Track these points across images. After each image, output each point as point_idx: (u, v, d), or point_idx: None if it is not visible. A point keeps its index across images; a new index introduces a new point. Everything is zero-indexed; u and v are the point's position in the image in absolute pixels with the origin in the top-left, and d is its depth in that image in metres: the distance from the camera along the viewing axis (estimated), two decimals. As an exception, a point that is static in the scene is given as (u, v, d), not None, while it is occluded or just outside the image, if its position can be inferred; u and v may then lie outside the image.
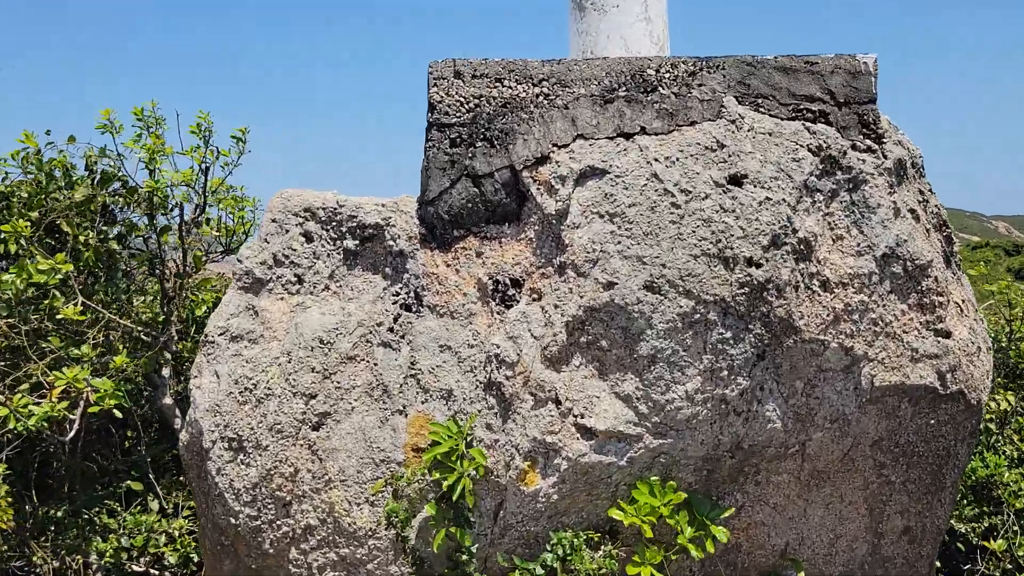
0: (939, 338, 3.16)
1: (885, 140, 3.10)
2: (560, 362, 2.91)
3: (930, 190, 3.36)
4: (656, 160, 2.91)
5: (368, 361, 3.01)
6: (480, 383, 2.93)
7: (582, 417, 2.85)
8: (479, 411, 2.90)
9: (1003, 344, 5.12)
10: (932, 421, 3.22)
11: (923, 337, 3.12)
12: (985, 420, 4.55)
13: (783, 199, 2.90)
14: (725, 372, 2.89)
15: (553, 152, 2.98)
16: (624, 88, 3.00)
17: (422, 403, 2.95)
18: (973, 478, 4.40)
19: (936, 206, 3.35)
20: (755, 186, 2.90)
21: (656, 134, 2.97)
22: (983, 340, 3.40)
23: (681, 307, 2.83)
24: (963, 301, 3.34)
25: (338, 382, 2.99)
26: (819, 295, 2.96)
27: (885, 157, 3.08)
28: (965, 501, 4.38)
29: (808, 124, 3.03)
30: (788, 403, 3.01)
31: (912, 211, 3.14)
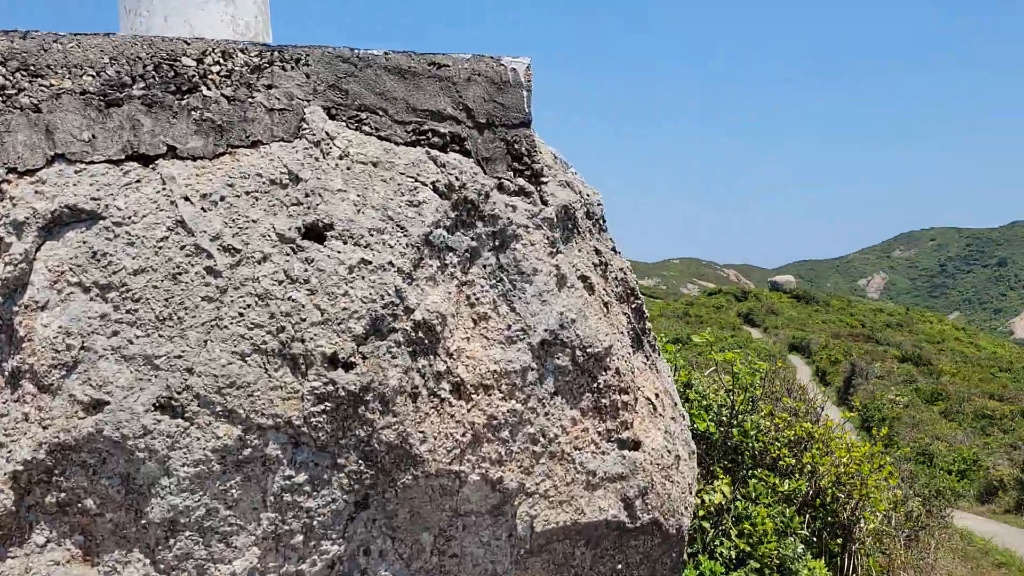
0: (625, 451, 2.30)
1: (545, 179, 2.23)
2: (6, 541, 1.69)
3: (613, 249, 2.54)
4: (188, 199, 1.81)
5: None
6: None
7: (42, 637, 1.64)
8: None
9: (724, 420, 4.55)
10: (619, 566, 2.35)
11: (603, 453, 2.24)
12: (699, 518, 3.86)
13: (391, 262, 1.90)
14: (300, 537, 1.81)
15: (8, 182, 1.78)
16: (143, 83, 1.88)
17: None
18: (690, 590, 3.67)
19: (621, 270, 2.54)
20: (346, 242, 1.88)
21: (195, 158, 1.88)
22: (683, 443, 2.61)
23: (220, 438, 1.73)
24: (657, 395, 2.54)
25: None
26: (451, 405, 1.99)
27: (545, 203, 2.21)
28: (682, 621, 3.63)
29: (435, 152, 2.08)
30: (411, 568, 1.99)
31: (584, 278, 2.29)
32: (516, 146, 2.17)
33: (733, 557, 3.86)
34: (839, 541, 4.81)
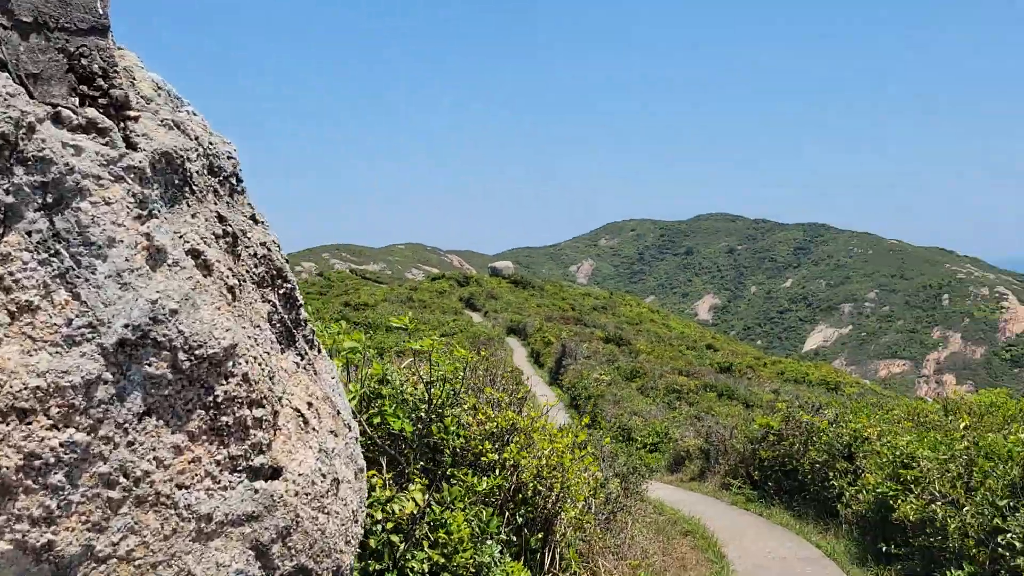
0: (258, 483, 1.75)
1: (135, 114, 1.59)
2: None
3: (252, 218, 1.96)
4: None
5: None
6: None
7: None
8: None
9: (422, 416, 4.13)
10: (252, 633, 1.79)
11: (223, 489, 1.67)
12: (387, 531, 3.41)
13: None
14: None
15: None
16: None
17: None
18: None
19: (264, 245, 1.96)
20: None
21: None
22: (347, 461, 2.11)
23: None
24: (311, 404, 2.01)
25: None
26: (-43, 443, 1.30)
27: (132, 147, 1.57)
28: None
29: (-61, 58, 1.36)
30: None
31: (196, 254, 1.69)
32: (85, 62, 1.51)
33: (426, 571, 3.46)
34: (540, 536, 4.64)
